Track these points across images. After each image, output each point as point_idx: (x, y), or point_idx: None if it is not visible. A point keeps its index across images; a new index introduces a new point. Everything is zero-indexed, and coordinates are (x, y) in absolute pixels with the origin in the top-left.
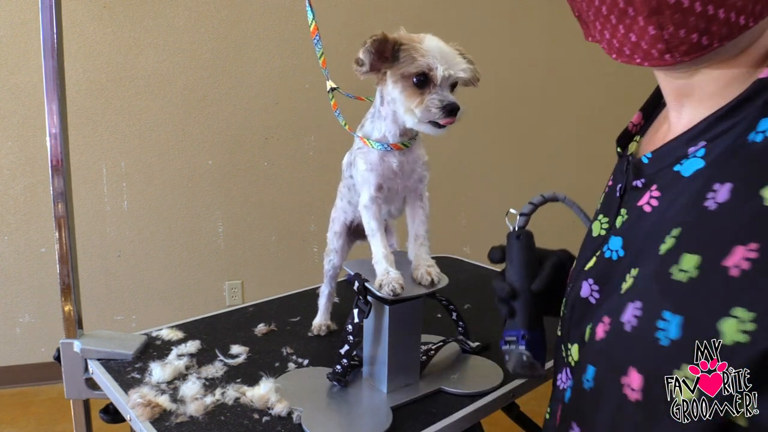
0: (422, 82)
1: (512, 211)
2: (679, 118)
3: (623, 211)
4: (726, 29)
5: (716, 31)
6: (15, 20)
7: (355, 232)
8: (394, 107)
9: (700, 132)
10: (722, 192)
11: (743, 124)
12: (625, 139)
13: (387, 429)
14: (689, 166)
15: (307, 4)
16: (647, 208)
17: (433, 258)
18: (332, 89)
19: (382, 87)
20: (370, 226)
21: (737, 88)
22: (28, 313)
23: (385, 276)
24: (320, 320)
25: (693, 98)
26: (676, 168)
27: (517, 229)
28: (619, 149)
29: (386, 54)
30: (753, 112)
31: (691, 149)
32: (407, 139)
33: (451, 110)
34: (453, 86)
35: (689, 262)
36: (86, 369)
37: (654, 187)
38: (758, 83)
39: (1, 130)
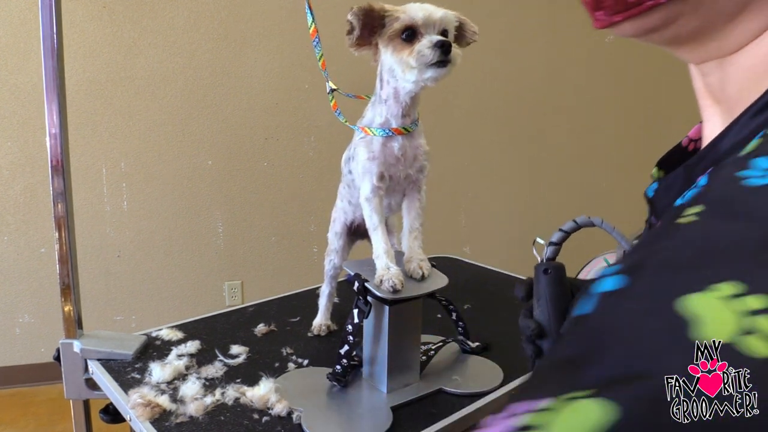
0: (410, 35)
1: (539, 240)
2: (711, 133)
3: None
4: None
5: None
6: (15, 20)
7: (355, 233)
8: (393, 75)
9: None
10: None
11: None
12: (674, 158)
13: (387, 429)
14: None
15: (307, 7)
16: None
17: (433, 258)
18: (332, 90)
19: (380, 66)
20: (372, 220)
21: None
22: (27, 313)
23: (385, 272)
24: (320, 320)
25: (724, 106)
26: (679, 202)
27: (545, 260)
28: (655, 172)
29: (375, 24)
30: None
31: (701, 177)
32: (409, 122)
33: (442, 47)
34: (443, 34)
35: None
36: (86, 369)
37: None
38: None
39: (1, 130)
